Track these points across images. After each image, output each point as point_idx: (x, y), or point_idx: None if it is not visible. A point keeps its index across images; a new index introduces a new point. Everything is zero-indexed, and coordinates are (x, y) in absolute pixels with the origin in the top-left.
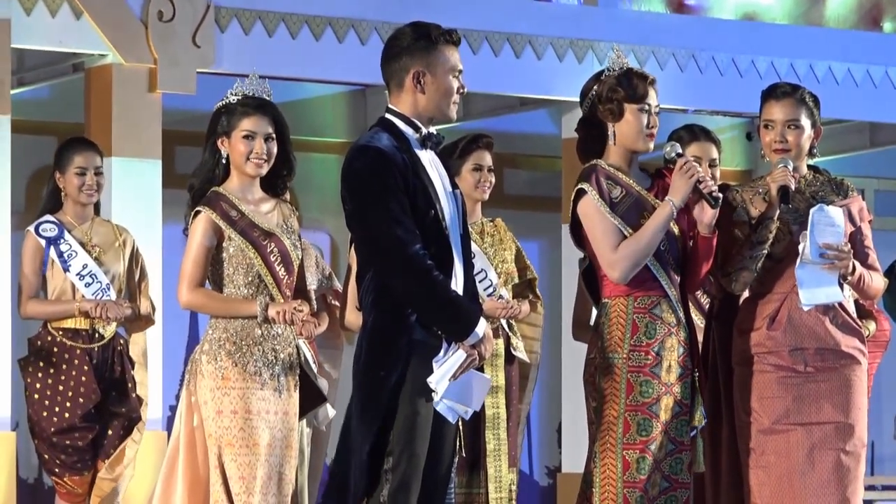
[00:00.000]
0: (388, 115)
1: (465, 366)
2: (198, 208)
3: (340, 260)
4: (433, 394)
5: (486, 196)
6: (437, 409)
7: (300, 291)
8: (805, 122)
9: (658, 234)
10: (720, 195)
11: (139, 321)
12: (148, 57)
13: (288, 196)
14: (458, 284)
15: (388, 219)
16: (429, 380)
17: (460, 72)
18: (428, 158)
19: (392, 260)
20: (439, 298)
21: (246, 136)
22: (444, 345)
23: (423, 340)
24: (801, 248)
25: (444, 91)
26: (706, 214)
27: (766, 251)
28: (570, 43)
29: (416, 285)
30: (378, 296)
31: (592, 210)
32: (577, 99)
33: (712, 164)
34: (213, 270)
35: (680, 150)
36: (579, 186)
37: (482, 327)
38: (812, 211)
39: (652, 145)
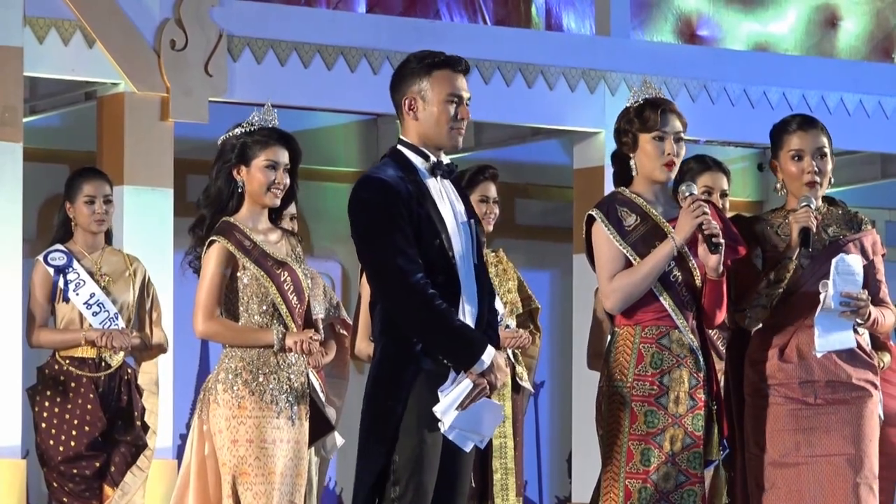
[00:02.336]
0: (398, 145)
1: (473, 395)
2: (212, 238)
3: (352, 289)
4: (440, 423)
5: (491, 227)
6: (450, 437)
7: (307, 321)
8: (829, 150)
9: (655, 270)
10: (721, 241)
11: (151, 350)
12: (160, 86)
13: (296, 225)
14: (466, 314)
15: (391, 248)
16: (434, 409)
17: (461, 98)
18: (437, 187)
19: (394, 289)
20: (442, 327)
21: (268, 166)
22: (452, 374)
23: (431, 370)
24: (822, 296)
25: (436, 118)
26: (710, 258)
27: (781, 290)
28: (582, 73)
29: (418, 314)
30: (386, 325)
31: (600, 236)
32: (589, 129)
33: (723, 195)
34: (227, 300)
35: (694, 191)
36: (589, 212)
37: (489, 356)
38: (834, 261)
39: (672, 174)
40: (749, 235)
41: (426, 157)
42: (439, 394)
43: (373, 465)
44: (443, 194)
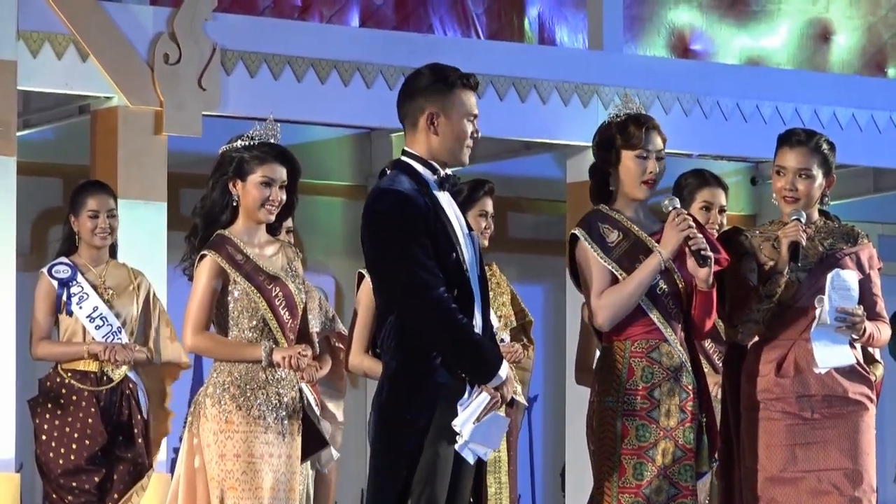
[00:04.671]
0: (404, 157)
1: (488, 408)
2: (203, 252)
3: (346, 302)
4: (458, 437)
5: (487, 242)
6: (462, 451)
7: (303, 335)
8: (817, 171)
9: (643, 285)
10: (710, 255)
11: (168, 367)
12: (154, 99)
13: (292, 238)
14: (478, 327)
15: (412, 262)
16: (454, 423)
17: (475, 116)
18: (446, 200)
19: (416, 303)
20: (464, 341)
21: (263, 183)
22: (468, 387)
23: (448, 383)
24: (817, 312)
25: (457, 135)
26: (700, 272)
27: (773, 304)
28: (576, 87)
29: (441, 328)
30: (402, 339)
31: (585, 254)
32: (582, 143)
33: (721, 210)
34: (217, 314)
35: (678, 204)
36: (573, 231)
37: (504, 369)
38: (830, 276)
39: (649, 193)
40: (742, 249)
41: (434, 170)
42: (458, 407)
43: (395, 479)
44: (450, 207)
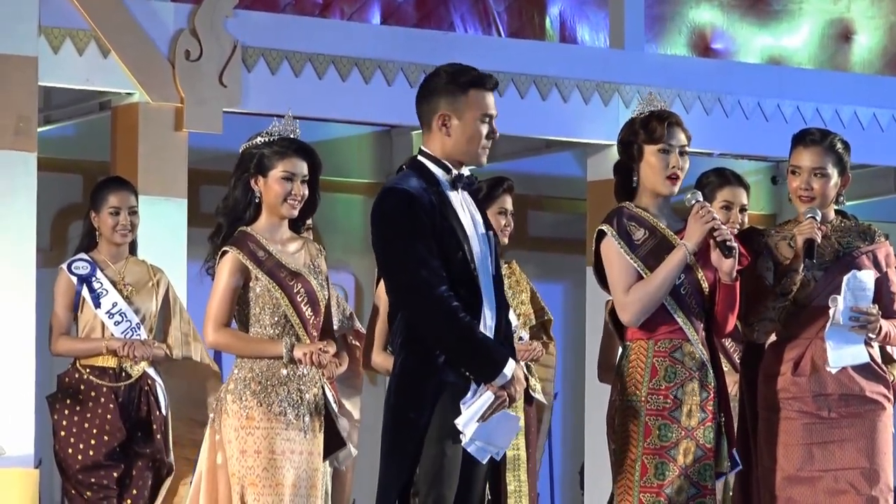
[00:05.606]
0: (419, 157)
1: (494, 407)
2: (225, 248)
3: (365, 300)
4: (461, 435)
5: (507, 240)
6: (469, 450)
7: (326, 332)
8: (832, 170)
9: (670, 278)
10: (735, 245)
11: (204, 370)
12: (174, 96)
13: (311, 236)
14: (486, 326)
15: (415, 260)
16: (456, 421)
17: (492, 117)
18: (459, 199)
19: (418, 302)
20: (466, 340)
21: (285, 178)
22: (473, 386)
23: (453, 382)
24: (831, 311)
25: (469, 136)
26: (724, 263)
27: (788, 302)
28: (597, 86)
29: (442, 327)
30: (407, 337)
31: (611, 251)
32: (603, 141)
33: (742, 210)
34: (239, 310)
35: (700, 198)
36: (600, 227)
37: (511, 368)
38: (846, 277)
39: (676, 188)
40: (758, 248)
41: (447, 170)
42: (461, 406)
43: (397, 477)
44: (464, 206)
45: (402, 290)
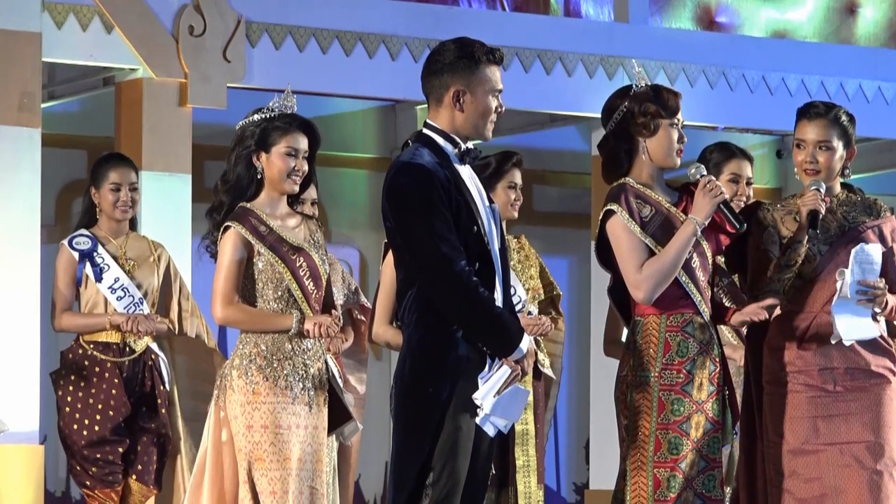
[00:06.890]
0: (426, 131)
1: (509, 381)
2: (227, 224)
3: (370, 275)
4: (479, 409)
5: (517, 214)
6: (482, 424)
7: (327, 306)
8: (837, 143)
9: (682, 253)
10: (742, 220)
11: (202, 347)
12: (178, 71)
13: (316, 211)
14: (499, 300)
15: (434, 235)
16: (474, 396)
17: (500, 91)
18: (467, 174)
19: (438, 277)
20: (485, 315)
21: (288, 154)
22: (489, 360)
23: (469, 356)
24: (838, 285)
25: (482, 111)
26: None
27: (793, 274)
28: (601, 59)
29: (462, 302)
30: (423, 312)
31: (621, 229)
32: None
33: (748, 183)
34: (243, 286)
35: (704, 172)
36: (608, 207)
37: (525, 343)
38: (854, 250)
39: (679, 161)
40: (764, 222)
41: (455, 144)
42: (479, 380)
43: (417, 453)
44: (472, 180)
45: (421, 265)
